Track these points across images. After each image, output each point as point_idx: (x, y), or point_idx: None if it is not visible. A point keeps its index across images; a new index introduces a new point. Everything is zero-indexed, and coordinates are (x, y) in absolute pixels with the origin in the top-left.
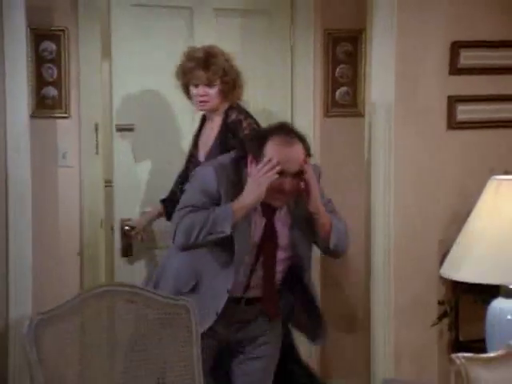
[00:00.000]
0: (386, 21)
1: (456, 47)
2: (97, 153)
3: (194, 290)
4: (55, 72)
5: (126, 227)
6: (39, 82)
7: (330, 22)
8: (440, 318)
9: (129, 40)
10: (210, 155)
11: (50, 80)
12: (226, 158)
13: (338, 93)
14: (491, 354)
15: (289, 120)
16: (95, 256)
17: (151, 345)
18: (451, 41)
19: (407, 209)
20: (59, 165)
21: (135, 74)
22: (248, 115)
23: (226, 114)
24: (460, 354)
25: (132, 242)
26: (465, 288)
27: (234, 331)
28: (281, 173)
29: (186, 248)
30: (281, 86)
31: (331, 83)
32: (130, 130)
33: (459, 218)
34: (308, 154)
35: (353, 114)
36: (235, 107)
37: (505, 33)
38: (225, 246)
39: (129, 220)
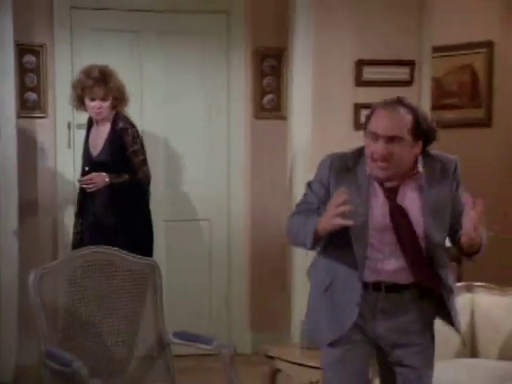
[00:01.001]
0: (303, 41)
1: (360, 64)
2: (69, 146)
3: (328, 287)
4: (35, 80)
5: None
6: (22, 88)
7: (258, 41)
8: None
9: (87, 58)
10: (102, 155)
11: (31, 86)
12: (352, 148)
13: (265, 99)
14: None
15: (225, 122)
16: (67, 228)
17: (125, 294)
18: (356, 59)
19: None
20: (38, 156)
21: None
22: (132, 124)
23: (115, 122)
24: None
25: None
26: None
27: (381, 321)
28: (375, 137)
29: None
30: (218, 95)
31: (259, 92)
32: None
33: None
34: (417, 127)
35: (277, 116)
36: (122, 116)
37: (397, 53)
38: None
39: None
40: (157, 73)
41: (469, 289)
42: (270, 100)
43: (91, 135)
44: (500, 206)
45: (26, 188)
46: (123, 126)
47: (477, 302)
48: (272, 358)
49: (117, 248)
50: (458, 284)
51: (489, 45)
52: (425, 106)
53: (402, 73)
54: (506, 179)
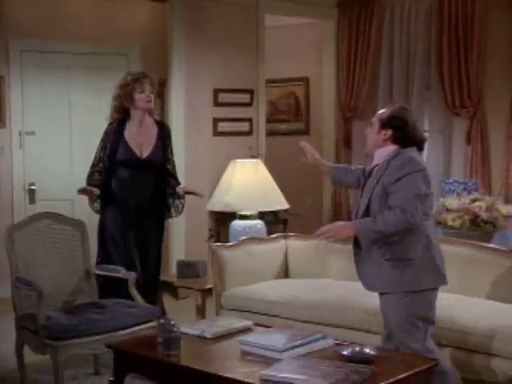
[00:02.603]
0: (178, 76)
1: (216, 91)
2: (20, 147)
3: None
4: None
5: (32, 186)
6: None
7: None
8: (210, 237)
9: (34, 86)
10: (153, 155)
11: None
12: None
13: (154, 116)
14: (230, 243)
15: None
16: (20, 204)
17: (66, 241)
18: (213, 88)
19: (193, 182)
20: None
21: (39, 105)
22: None
23: (159, 124)
24: (214, 244)
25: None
26: (222, 218)
27: None
28: None
29: None
30: None
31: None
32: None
33: (217, 182)
34: (382, 119)
35: None
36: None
37: (241, 84)
38: None
39: (33, 184)
40: (81, 97)
41: (284, 237)
42: (157, 116)
43: (129, 136)
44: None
45: None
46: (169, 129)
47: (290, 244)
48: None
49: (60, 213)
50: (279, 234)
51: (306, 79)
52: (261, 120)
53: (245, 97)
54: (317, 168)
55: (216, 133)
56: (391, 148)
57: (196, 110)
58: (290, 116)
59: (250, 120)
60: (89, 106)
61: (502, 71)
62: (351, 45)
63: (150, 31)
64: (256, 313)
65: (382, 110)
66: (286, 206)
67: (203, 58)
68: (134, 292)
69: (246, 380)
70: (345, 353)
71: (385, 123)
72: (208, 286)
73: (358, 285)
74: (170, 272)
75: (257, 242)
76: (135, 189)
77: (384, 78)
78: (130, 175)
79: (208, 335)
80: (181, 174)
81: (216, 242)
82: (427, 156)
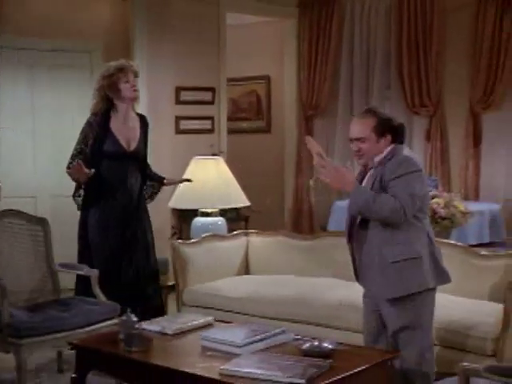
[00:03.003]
0: (140, 72)
1: (178, 89)
2: None
3: None
4: None
5: None
6: None
7: None
8: (172, 235)
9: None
10: (138, 148)
11: None
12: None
13: None
14: (192, 240)
15: None
16: None
17: (29, 238)
18: (175, 85)
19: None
20: None
21: (3, 101)
22: None
23: (142, 118)
24: (176, 241)
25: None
26: (184, 216)
27: None
28: (350, 140)
29: None
30: (85, 110)
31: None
32: None
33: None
34: (376, 128)
35: None
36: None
37: (203, 82)
38: None
39: None
40: (44, 94)
41: (245, 234)
42: None
43: (116, 129)
44: (276, 183)
45: None
46: (147, 122)
47: (251, 241)
48: None
49: (23, 211)
50: (240, 231)
51: (267, 78)
52: (223, 118)
53: (206, 95)
54: (279, 166)
55: (178, 131)
56: (387, 149)
57: (158, 108)
58: (251, 114)
59: (211, 118)
60: (52, 103)
61: (461, 72)
62: (312, 44)
63: (112, 28)
64: (219, 309)
65: (365, 122)
66: (247, 203)
67: (165, 56)
68: (97, 290)
69: (206, 375)
70: (303, 347)
71: (383, 129)
72: (170, 283)
73: (318, 281)
74: None
75: (218, 238)
76: (125, 182)
77: (345, 77)
78: (117, 168)
79: (169, 331)
80: None
81: (178, 239)
82: None
